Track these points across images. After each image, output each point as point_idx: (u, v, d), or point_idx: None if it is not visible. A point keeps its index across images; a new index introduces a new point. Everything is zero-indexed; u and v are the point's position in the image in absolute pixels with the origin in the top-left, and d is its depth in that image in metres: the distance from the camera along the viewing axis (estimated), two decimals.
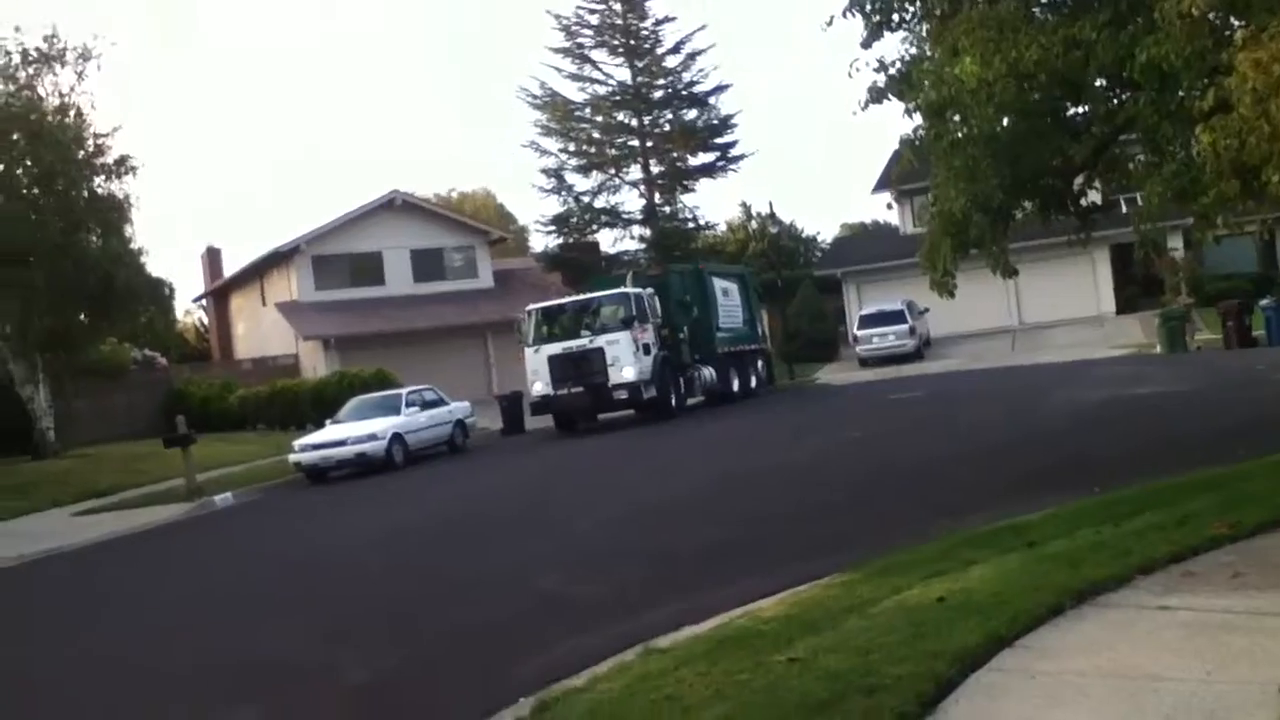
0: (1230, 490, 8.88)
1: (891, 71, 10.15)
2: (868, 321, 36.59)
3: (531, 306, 26.20)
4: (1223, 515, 7.81)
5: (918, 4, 10.25)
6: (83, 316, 26.68)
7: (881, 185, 44.38)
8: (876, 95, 10.19)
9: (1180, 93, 8.23)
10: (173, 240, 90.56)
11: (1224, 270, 35.58)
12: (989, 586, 6.75)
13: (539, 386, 24.67)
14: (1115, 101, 9.71)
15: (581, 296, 26.64)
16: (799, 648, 5.95)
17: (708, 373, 26.94)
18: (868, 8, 10.22)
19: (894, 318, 35.99)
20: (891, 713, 4.81)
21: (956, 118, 9.51)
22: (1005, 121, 9.33)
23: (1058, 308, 37.94)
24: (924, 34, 10.63)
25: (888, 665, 5.41)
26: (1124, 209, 13.20)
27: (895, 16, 10.31)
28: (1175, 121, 8.59)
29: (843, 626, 6.29)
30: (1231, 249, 31.15)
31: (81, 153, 25.36)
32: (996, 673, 5.36)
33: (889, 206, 40.53)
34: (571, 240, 49.44)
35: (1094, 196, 11.72)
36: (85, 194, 25.63)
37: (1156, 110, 8.65)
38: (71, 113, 25.50)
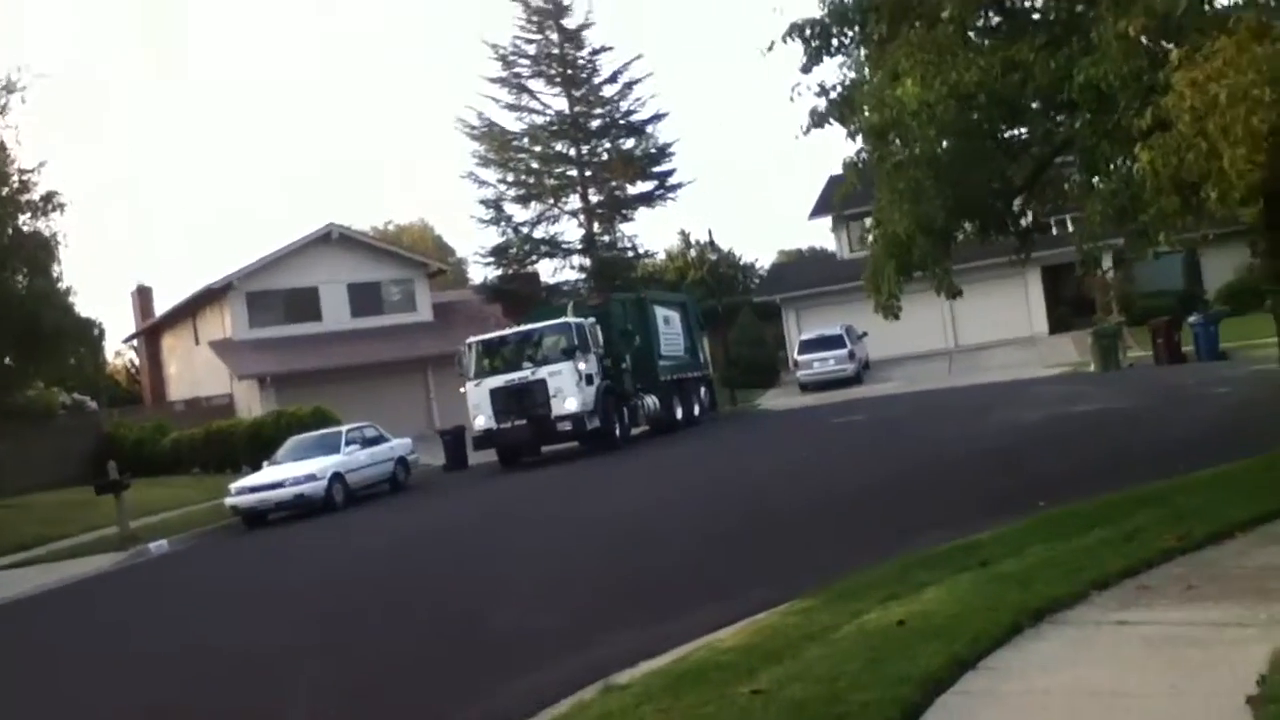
0: (1175, 504, 8.97)
1: (833, 95, 10.21)
2: (808, 347, 36.84)
3: (472, 339, 25.91)
4: (1171, 528, 7.88)
5: (856, 29, 10.34)
6: (8, 359, 25.88)
7: (818, 211, 44.92)
8: (818, 119, 10.25)
9: (1118, 113, 8.35)
10: (101, 279, 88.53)
11: (1152, 289, 36.44)
12: (947, 608, 6.70)
13: (481, 420, 24.38)
14: (1054, 122, 9.86)
15: (523, 328, 26.43)
16: (762, 678, 5.83)
17: (651, 401, 26.88)
18: (807, 33, 10.30)
19: (833, 342, 36.30)
20: None
21: (898, 140, 9.57)
22: (946, 143, 9.41)
23: (992, 329, 38.53)
24: (863, 58, 10.75)
25: (853, 693, 5.32)
26: (1069, 228, 13.39)
27: (834, 41, 10.40)
28: (1113, 141, 8.73)
29: (804, 655, 6.19)
30: (1159, 267, 31.97)
31: (5, 189, 24.67)
32: (962, 695, 5.29)
33: (835, 221, 40.69)
34: (511, 271, 49.23)
35: (1032, 217, 11.86)
36: (9, 231, 24.91)
37: (1095, 130, 8.79)
38: None
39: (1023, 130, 10.97)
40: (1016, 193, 10.91)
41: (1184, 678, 5.01)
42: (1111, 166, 9.77)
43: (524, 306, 37.04)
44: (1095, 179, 10.52)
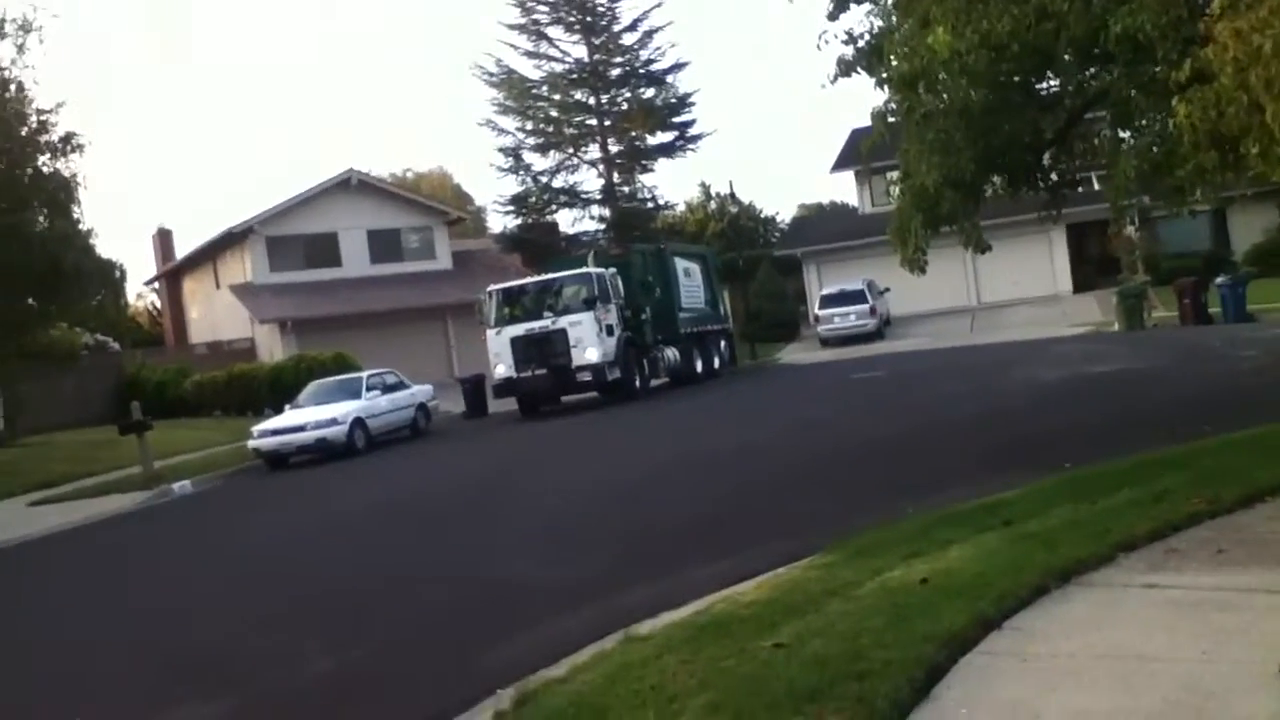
0: (1202, 466, 8.86)
1: (860, 44, 10.00)
2: (829, 301, 36.64)
3: (492, 287, 25.86)
4: (1197, 491, 7.78)
5: None
6: (30, 300, 25.93)
7: (841, 164, 44.46)
8: (845, 68, 10.06)
9: (1155, 64, 8.14)
10: (123, 221, 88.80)
11: (1178, 249, 36.00)
12: (971, 567, 6.64)
13: (501, 369, 24.41)
14: (1087, 74, 9.64)
15: (543, 277, 26.34)
16: (783, 633, 5.80)
17: (671, 353, 26.84)
18: None
19: (855, 297, 36.09)
20: (884, 699, 4.66)
21: (927, 91, 9.38)
22: (976, 94, 9.21)
23: (1015, 287, 38.24)
24: (892, 5, 10.52)
25: (876, 650, 5.27)
26: (1096, 186, 13.17)
27: None
28: (1149, 94, 8.52)
29: (826, 610, 6.15)
30: (1185, 227, 31.53)
31: (24, 129, 24.56)
32: (987, 656, 5.25)
33: (858, 174, 40.29)
34: (530, 220, 49.07)
35: (1062, 173, 11.66)
36: (29, 172, 24.84)
37: (1130, 82, 8.58)
38: (12, 87, 24.68)
39: (1054, 82, 10.74)
40: (1047, 146, 10.70)
41: (1214, 643, 4.94)
42: (1145, 121, 9.56)
43: (543, 256, 36.93)
44: (1128, 134, 10.32)
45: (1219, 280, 27.42)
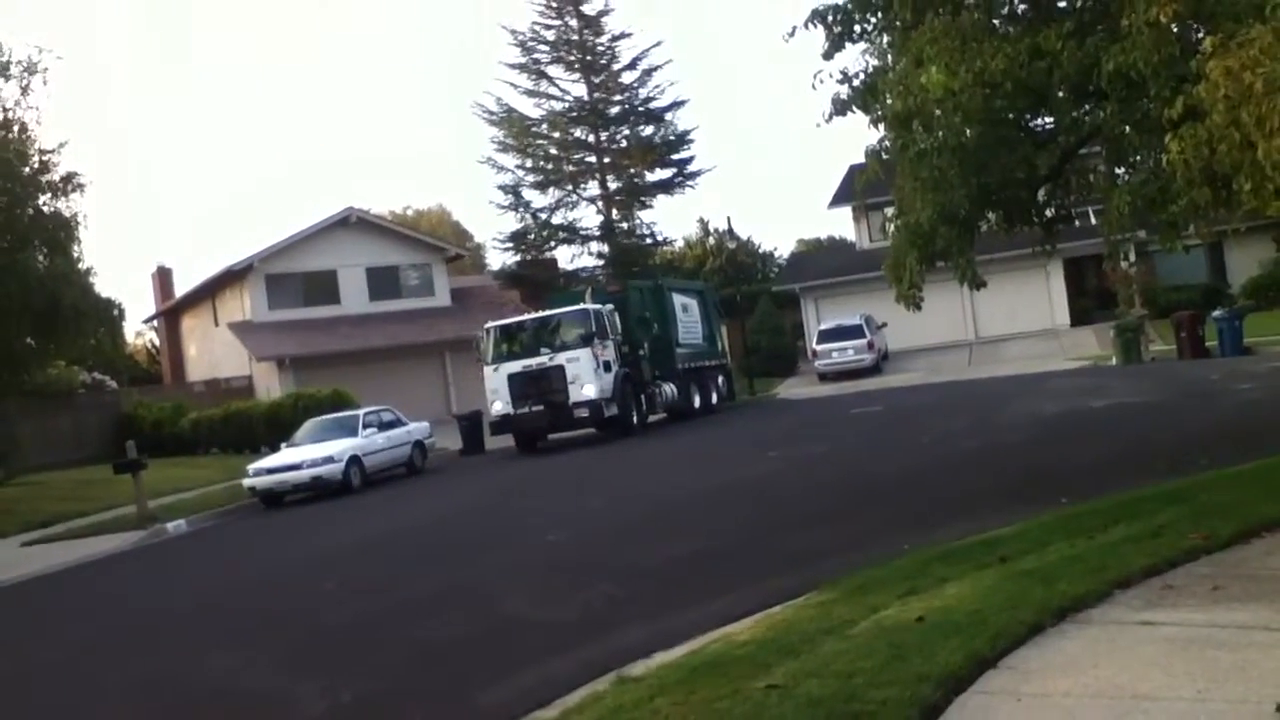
0: (1199, 501, 8.84)
1: (855, 83, 10.06)
2: (826, 336, 36.66)
3: (490, 324, 25.87)
4: (1195, 527, 7.75)
5: (879, 15, 10.19)
6: (28, 338, 25.94)
7: (838, 200, 44.65)
8: (840, 107, 10.10)
9: (1148, 101, 8.19)
10: (122, 259, 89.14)
11: (1175, 282, 36.08)
12: (966, 604, 6.59)
13: (499, 405, 24.38)
14: (1081, 111, 9.69)
15: (541, 314, 26.37)
16: (777, 673, 5.75)
17: (668, 389, 26.83)
18: (829, 19, 10.15)
19: (852, 332, 36.12)
20: None
21: (922, 128, 9.43)
22: (971, 131, 9.25)
23: (1013, 321, 38.28)
24: (886, 45, 10.59)
25: (871, 690, 5.23)
26: (1092, 220, 13.23)
27: (857, 27, 10.24)
28: (1142, 130, 8.56)
29: (821, 649, 6.11)
30: (1182, 261, 31.53)
31: (26, 169, 24.69)
32: (982, 695, 5.20)
33: (855, 210, 40.48)
34: (529, 257, 49.21)
35: (1057, 208, 11.70)
36: (30, 212, 24.94)
37: (1123, 119, 8.62)
38: (15, 128, 24.83)
39: (1049, 119, 10.80)
40: (1042, 182, 10.74)
41: (1211, 682, 4.89)
42: (1139, 157, 9.60)
43: (542, 292, 37.00)
44: (1122, 169, 10.37)
45: (1216, 313, 27.46)
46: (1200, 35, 7.58)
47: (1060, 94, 9.50)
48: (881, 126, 9.97)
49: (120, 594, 14.19)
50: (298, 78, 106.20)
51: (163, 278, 46.05)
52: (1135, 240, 27.71)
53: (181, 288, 44.47)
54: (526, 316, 26.88)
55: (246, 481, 21.49)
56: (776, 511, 12.29)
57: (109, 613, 12.68)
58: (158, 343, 49.53)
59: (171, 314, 44.97)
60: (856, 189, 13.87)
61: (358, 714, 6.78)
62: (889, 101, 9.50)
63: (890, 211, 11.14)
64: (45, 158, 25.00)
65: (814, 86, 10.16)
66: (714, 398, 29.67)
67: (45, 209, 25.12)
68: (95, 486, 23.98)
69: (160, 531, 19.13)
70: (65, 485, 25.51)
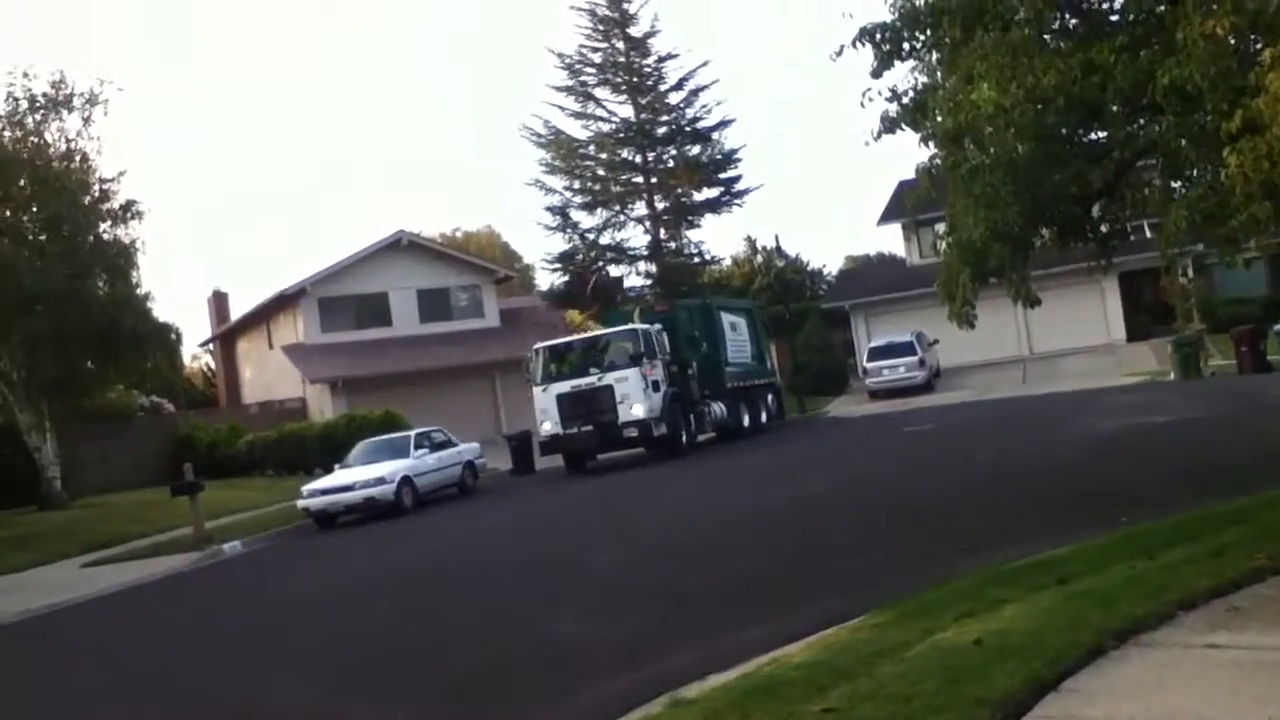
0: (1263, 521, 8.65)
1: (904, 100, 10.01)
2: (877, 354, 36.40)
3: (539, 345, 25.99)
4: (1259, 547, 7.57)
5: (928, 33, 10.14)
6: (89, 363, 26.55)
7: (887, 216, 44.40)
8: (889, 125, 10.06)
9: (1204, 114, 8.06)
10: (179, 284, 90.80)
11: (1234, 295, 35.40)
12: (1024, 626, 6.50)
13: (548, 426, 24.43)
14: (1135, 125, 9.56)
15: (589, 334, 26.42)
16: (832, 697, 5.69)
17: (718, 408, 26.74)
18: (877, 37, 10.12)
19: (903, 349, 35.82)
20: None
21: (973, 145, 9.36)
22: (1023, 147, 9.16)
23: (1068, 336, 37.74)
24: (935, 62, 10.53)
25: (928, 714, 5.16)
26: (1148, 234, 13.04)
27: (905, 45, 10.19)
28: (1199, 144, 8.43)
29: (876, 673, 6.04)
30: (1241, 274, 30.96)
31: (88, 198, 25.34)
32: (1041, 719, 5.11)
33: (905, 226, 40.24)
34: (576, 275, 49.41)
35: (1112, 223, 11.54)
36: (91, 239, 25.57)
37: (1179, 133, 8.50)
38: (78, 158, 25.49)
39: (1102, 134, 10.67)
40: (1096, 197, 10.61)
41: None
42: (1195, 171, 9.45)
43: (603, 309, 37.03)
44: (1178, 183, 10.21)
45: (1277, 327, 26.89)
46: (1259, 47, 7.46)
47: (1114, 108, 9.39)
48: (932, 144, 9.92)
49: (178, 615, 14.39)
50: (350, 102, 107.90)
51: (218, 302, 46.86)
52: (1193, 254, 27.28)
53: (236, 312, 45.26)
54: (575, 337, 26.95)
55: (300, 503, 21.73)
56: (828, 532, 12.19)
57: (167, 634, 12.85)
58: (213, 365, 50.36)
59: (227, 337, 45.72)
60: (907, 205, 13.81)
61: None
62: (939, 119, 9.45)
63: (941, 228, 11.07)
64: (105, 186, 25.70)
65: (863, 105, 10.15)
66: (763, 416, 29.55)
67: (105, 236, 25.78)
68: (154, 508, 24.37)
69: (217, 553, 19.39)
70: (125, 507, 25.95)
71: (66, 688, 10.31)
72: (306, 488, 22.09)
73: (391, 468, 21.93)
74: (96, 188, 25.69)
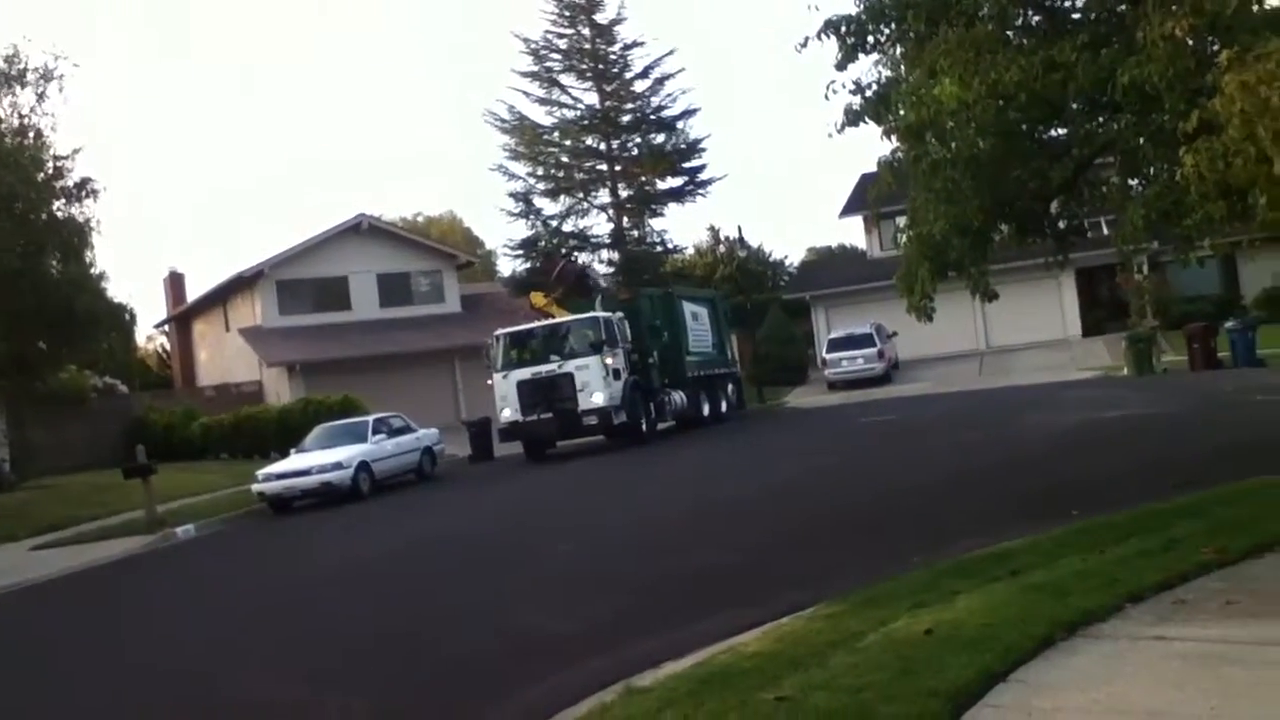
0: (1213, 516, 8.80)
1: (868, 94, 10.05)
2: (836, 345, 36.63)
3: (500, 331, 25.87)
4: (1209, 541, 7.70)
5: (893, 27, 10.18)
6: (41, 343, 26.04)
7: (850, 209, 44.65)
8: (853, 117, 10.08)
9: (1163, 114, 8.16)
10: (134, 265, 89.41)
11: (1188, 293, 35.95)
12: (977, 618, 6.56)
13: (507, 412, 24.35)
14: (1095, 123, 9.66)
15: (550, 321, 26.27)
16: (786, 686, 5.72)
17: (678, 397, 26.79)
18: (842, 30, 10.15)
19: (863, 341, 36.07)
20: None
21: (935, 140, 9.41)
22: (984, 143, 9.23)
23: (1024, 331, 38.15)
24: (898, 56, 10.57)
25: (880, 704, 5.20)
26: (1105, 231, 13.21)
27: (870, 38, 10.23)
28: (1157, 143, 8.53)
29: (830, 663, 6.08)
30: (1195, 272, 31.41)
31: (41, 175, 24.81)
32: (992, 709, 5.17)
33: (867, 219, 40.49)
34: (535, 264, 49.23)
35: (1070, 220, 11.66)
36: (45, 218, 25.06)
37: (1138, 132, 8.59)
38: (31, 134, 24.96)
39: (1063, 131, 10.78)
40: (1055, 194, 10.71)
41: (1223, 699, 4.86)
42: (1153, 170, 9.57)
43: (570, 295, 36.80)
44: (1137, 182, 10.33)
45: (1229, 325, 27.34)
46: (1216, 49, 7.54)
47: (1075, 106, 9.49)
48: (894, 137, 9.96)
49: (127, 600, 14.21)
50: (310, 84, 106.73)
51: (175, 283, 46.25)
52: (1148, 251, 27.60)
53: (194, 293, 44.67)
54: (536, 324, 26.67)
55: (255, 487, 21.52)
56: (785, 523, 12.25)
57: (116, 619, 12.69)
58: (168, 347, 49.71)
59: (183, 319, 45.14)
60: (869, 198, 13.83)
61: None
62: (902, 113, 9.49)
63: (902, 221, 11.12)
64: (60, 164, 25.14)
65: (827, 97, 10.19)
66: (724, 406, 29.63)
67: (60, 215, 25.24)
68: (106, 491, 24.03)
69: (169, 536, 19.17)
70: (76, 489, 25.57)
71: (8, 672, 10.16)
72: (262, 472, 21.88)
73: (349, 453, 21.76)
74: (50, 165, 25.14)
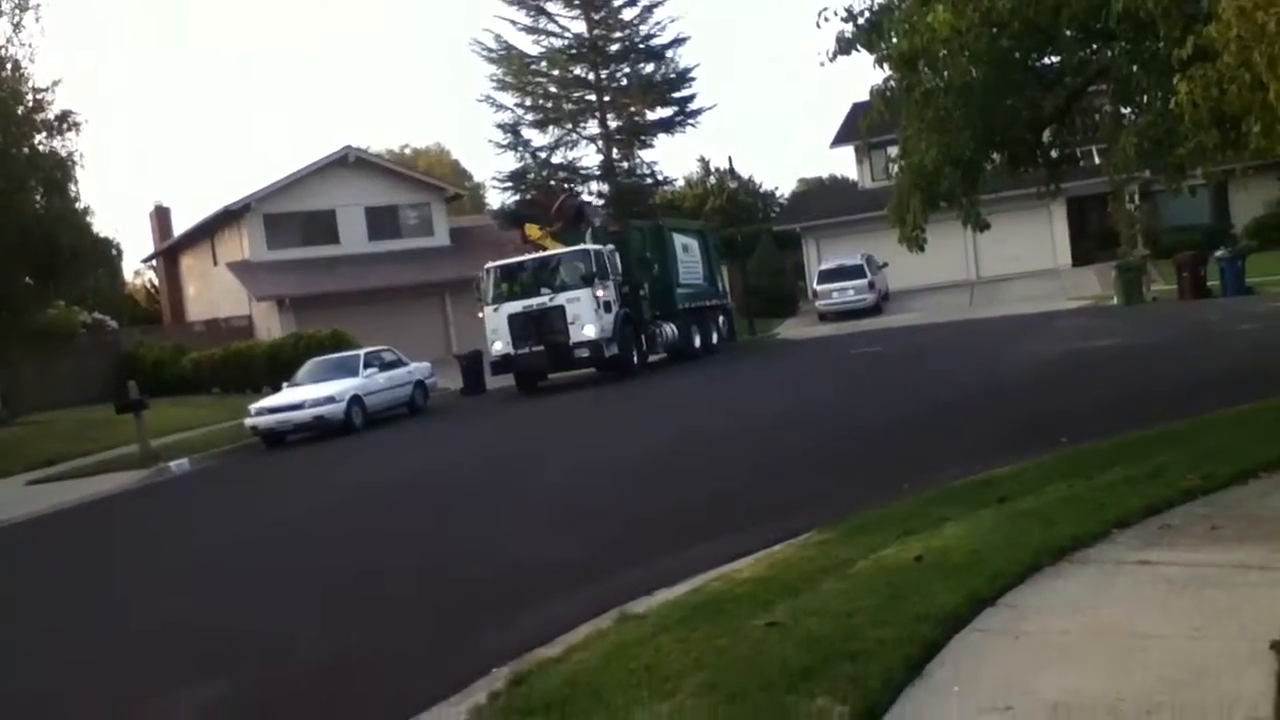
0: (1198, 442, 8.89)
1: (860, 21, 9.92)
2: (827, 276, 36.63)
3: (490, 264, 25.71)
4: (1193, 468, 7.80)
5: None
6: (27, 279, 25.90)
7: (841, 139, 44.32)
8: (844, 46, 9.96)
9: (1157, 41, 8.08)
10: (120, 199, 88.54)
11: (1178, 222, 35.92)
12: (965, 545, 6.66)
13: (499, 346, 24.36)
14: (1088, 51, 9.57)
15: (540, 254, 26.08)
16: (777, 611, 5.82)
17: (669, 329, 26.82)
18: None
19: (853, 272, 36.07)
20: (877, 678, 4.68)
21: (927, 69, 9.32)
22: (977, 72, 9.15)
23: (1015, 261, 38.15)
24: None
25: (870, 628, 5.29)
26: (1096, 160, 13.15)
27: None
28: (1151, 71, 8.47)
29: (820, 589, 6.18)
30: (1185, 201, 31.38)
31: (20, 108, 24.46)
32: (980, 633, 5.27)
33: (858, 150, 40.23)
34: (529, 197, 48.91)
35: (1062, 149, 11.61)
36: (25, 151, 24.75)
37: (1132, 60, 8.52)
38: (9, 66, 24.55)
39: (1055, 59, 10.68)
40: (1047, 123, 10.64)
41: (1207, 620, 4.96)
42: (1146, 98, 9.50)
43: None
44: (1129, 110, 10.27)
45: (1218, 254, 27.40)
46: None
47: (1068, 34, 9.38)
48: (886, 66, 9.85)
49: (126, 534, 14.33)
50: (296, 15, 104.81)
51: (161, 217, 45.85)
52: (1140, 180, 27.50)
53: (180, 227, 44.32)
54: (526, 257, 26.30)
55: (248, 421, 21.59)
56: (776, 453, 12.35)
57: (115, 555, 12.80)
58: (156, 283, 49.44)
59: (170, 254, 44.83)
60: (860, 128, 13.73)
61: (361, 658, 6.86)
62: (894, 41, 9.37)
63: (894, 152, 11.07)
64: (39, 96, 24.79)
65: (818, 25, 10.04)
66: (714, 338, 29.69)
67: (41, 149, 24.94)
68: (98, 427, 24.10)
69: (164, 470, 19.28)
70: (68, 425, 25.64)
71: (9, 609, 10.27)
72: (255, 406, 21.93)
73: (341, 386, 21.81)
74: (30, 98, 24.79)
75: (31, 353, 29.27)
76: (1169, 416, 10.34)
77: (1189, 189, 9.88)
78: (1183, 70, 7.02)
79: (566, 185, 46.01)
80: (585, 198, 43.64)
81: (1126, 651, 4.77)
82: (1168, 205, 35.59)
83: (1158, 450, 8.72)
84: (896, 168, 10.66)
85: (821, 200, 50.07)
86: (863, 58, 10.05)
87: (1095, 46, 9.63)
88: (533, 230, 26.67)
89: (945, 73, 9.16)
